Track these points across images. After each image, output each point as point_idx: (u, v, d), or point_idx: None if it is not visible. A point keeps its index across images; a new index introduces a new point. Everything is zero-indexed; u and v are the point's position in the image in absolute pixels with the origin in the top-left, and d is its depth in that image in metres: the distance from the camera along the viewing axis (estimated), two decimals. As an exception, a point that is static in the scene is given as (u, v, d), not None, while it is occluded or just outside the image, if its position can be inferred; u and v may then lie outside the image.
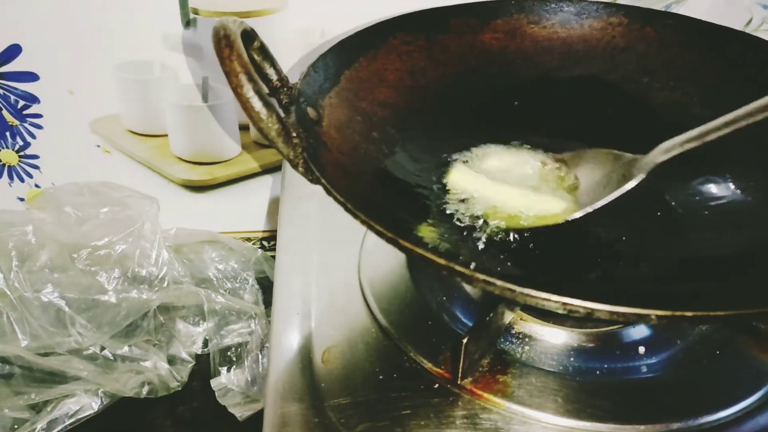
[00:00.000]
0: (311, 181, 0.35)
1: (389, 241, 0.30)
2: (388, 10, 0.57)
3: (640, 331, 0.41)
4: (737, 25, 0.62)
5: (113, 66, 0.62)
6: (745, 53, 0.49)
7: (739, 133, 0.45)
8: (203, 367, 0.62)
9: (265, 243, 0.74)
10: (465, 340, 0.34)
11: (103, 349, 0.58)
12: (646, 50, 0.52)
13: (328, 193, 0.33)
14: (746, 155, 0.43)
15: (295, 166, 0.35)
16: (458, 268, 0.28)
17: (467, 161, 0.47)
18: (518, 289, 0.28)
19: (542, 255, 0.39)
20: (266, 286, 0.68)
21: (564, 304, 0.28)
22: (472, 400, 0.36)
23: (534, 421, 0.35)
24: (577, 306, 0.27)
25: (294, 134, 0.35)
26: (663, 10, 0.55)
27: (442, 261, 0.28)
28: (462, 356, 0.35)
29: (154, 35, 0.61)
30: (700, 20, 0.51)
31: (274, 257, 0.71)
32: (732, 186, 0.44)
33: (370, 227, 0.31)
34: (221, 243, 0.68)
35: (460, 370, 0.35)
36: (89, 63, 0.62)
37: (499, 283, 0.28)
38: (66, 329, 0.56)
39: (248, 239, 0.73)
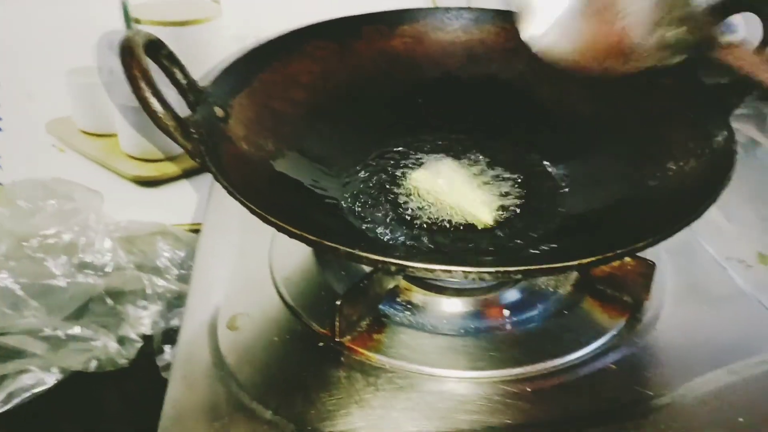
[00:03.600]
0: (207, 170, 0.41)
1: (254, 213, 0.36)
2: (318, 15, 0.63)
3: (509, 296, 0.47)
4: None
5: (65, 71, 0.68)
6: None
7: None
8: (151, 348, 0.68)
9: (214, 234, 0.80)
10: (339, 302, 0.40)
11: (55, 329, 0.63)
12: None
13: (216, 178, 0.39)
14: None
15: (193, 157, 0.41)
16: (307, 235, 0.34)
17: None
18: (357, 252, 0.34)
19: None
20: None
21: (397, 264, 0.34)
22: (350, 355, 0.42)
23: (400, 370, 0.41)
24: (405, 265, 0.33)
25: (193, 130, 0.41)
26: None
27: (294, 229, 0.34)
28: (338, 316, 0.41)
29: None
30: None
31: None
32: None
33: (245, 206, 0.37)
34: (171, 234, 0.74)
35: (337, 329, 0.41)
36: (44, 68, 0.67)
37: (342, 248, 0.34)
38: (20, 312, 0.61)
39: (196, 231, 0.79)
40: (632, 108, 0.51)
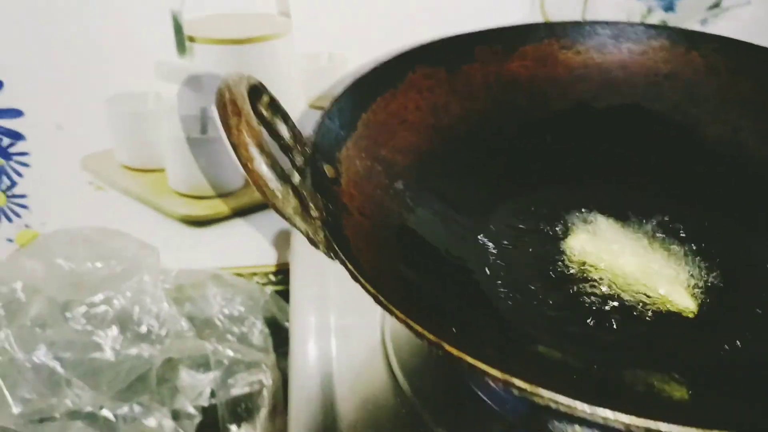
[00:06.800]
0: (333, 259, 0.31)
1: (437, 347, 0.25)
2: (399, 32, 0.53)
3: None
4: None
5: (104, 99, 0.57)
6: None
7: None
8: (212, 420, 0.58)
9: (272, 277, 0.70)
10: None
11: (101, 408, 0.53)
12: (693, 77, 0.47)
13: (355, 279, 0.29)
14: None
15: (315, 245, 0.31)
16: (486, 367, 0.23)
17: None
18: (564, 400, 0.23)
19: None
20: (275, 327, 0.63)
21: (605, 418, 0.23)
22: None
23: None
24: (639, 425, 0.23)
25: (312, 206, 0.31)
26: (705, 31, 0.50)
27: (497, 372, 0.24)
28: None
29: (147, 65, 0.56)
30: (750, 44, 0.47)
31: (279, 292, 0.66)
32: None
33: (409, 327, 0.26)
34: (228, 283, 0.64)
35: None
36: (78, 96, 0.57)
37: (545, 394, 0.23)
38: (61, 391, 0.51)
39: (254, 274, 0.69)
40: None
